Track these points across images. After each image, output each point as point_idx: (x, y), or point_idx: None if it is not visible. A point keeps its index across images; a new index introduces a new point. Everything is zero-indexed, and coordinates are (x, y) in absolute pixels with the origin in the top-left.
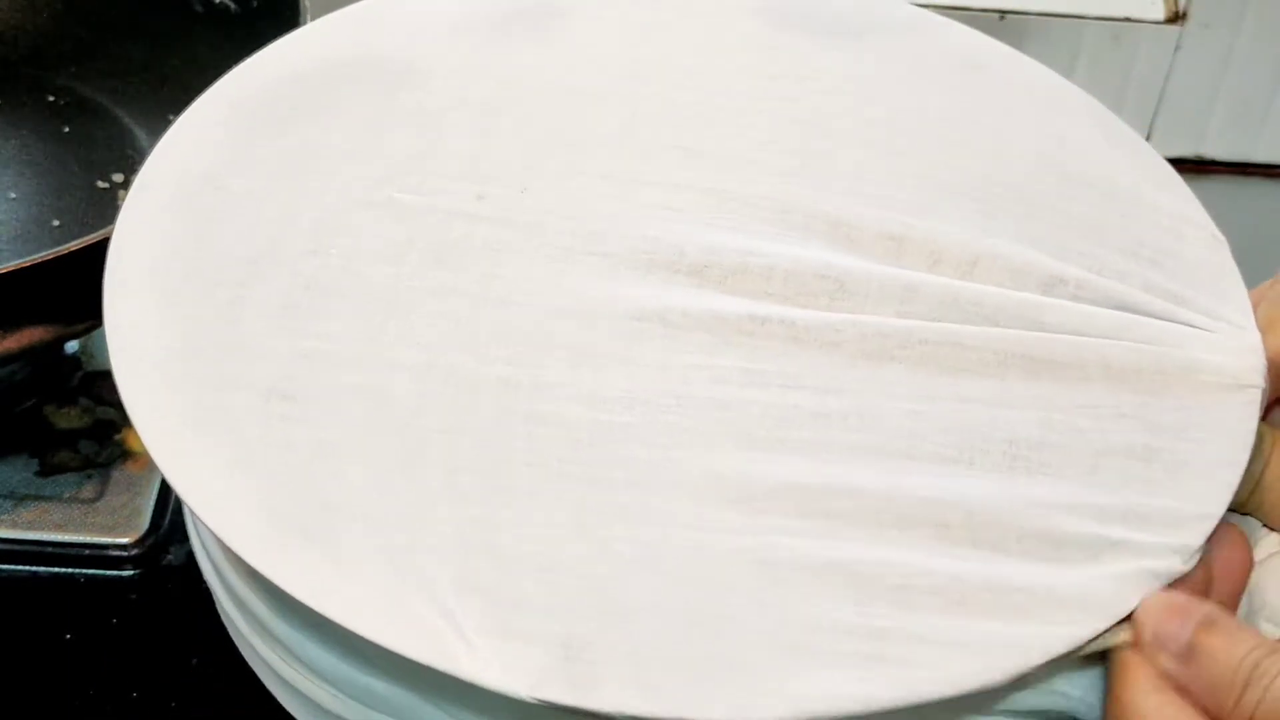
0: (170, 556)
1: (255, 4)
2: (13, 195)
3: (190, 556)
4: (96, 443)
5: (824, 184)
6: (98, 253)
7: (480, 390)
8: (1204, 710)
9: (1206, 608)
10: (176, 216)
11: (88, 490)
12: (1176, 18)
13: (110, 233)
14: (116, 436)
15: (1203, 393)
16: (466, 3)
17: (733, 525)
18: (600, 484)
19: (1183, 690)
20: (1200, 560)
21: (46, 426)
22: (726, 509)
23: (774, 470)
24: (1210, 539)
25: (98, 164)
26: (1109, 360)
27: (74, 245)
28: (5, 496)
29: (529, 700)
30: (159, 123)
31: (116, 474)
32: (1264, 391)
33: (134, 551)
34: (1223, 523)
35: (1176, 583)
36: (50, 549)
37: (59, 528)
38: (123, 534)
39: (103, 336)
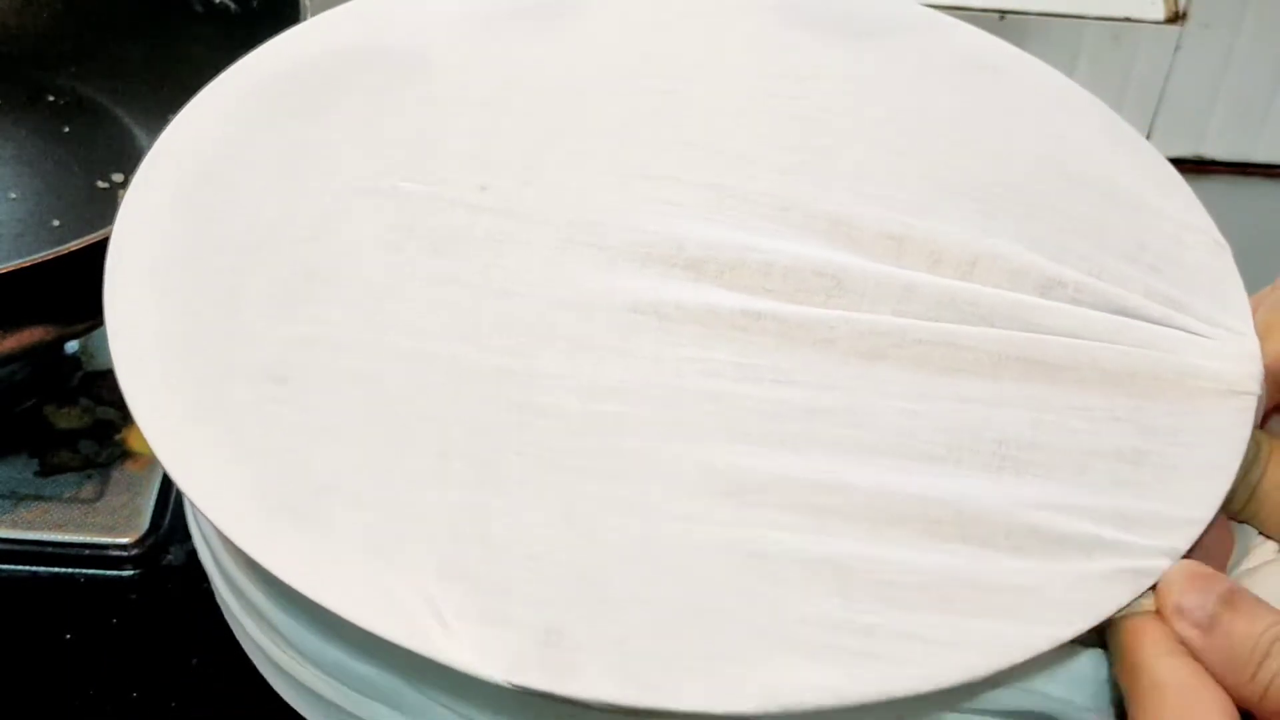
0: (170, 556)
1: (255, 4)
2: (13, 195)
3: (190, 556)
4: (96, 443)
5: (825, 182)
6: (98, 253)
7: (474, 378)
8: (1219, 680)
9: (1228, 582)
10: (180, 201)
11: (88, 490)
12: (1176, 18)
13: (110, 233)
14: (116, 436)
15: (1197, 398)
16: None
17: (721, 518)
18: (590, 474)
19: (1198, 660)
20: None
21: (46, 426)
22: (716, 502)
23: (764, 464)
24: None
25: (98, 164)
26: (1104, 363)
27: (74, 245)
28: (5, 496)
29: (505, 685)
30: (159, 123)
31: (116, 474)
32: (1260, 399)
33: (134, 551)
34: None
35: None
36: (50, 549)
37: (59, 528)
38: (123, 534)
39: (103, 336)
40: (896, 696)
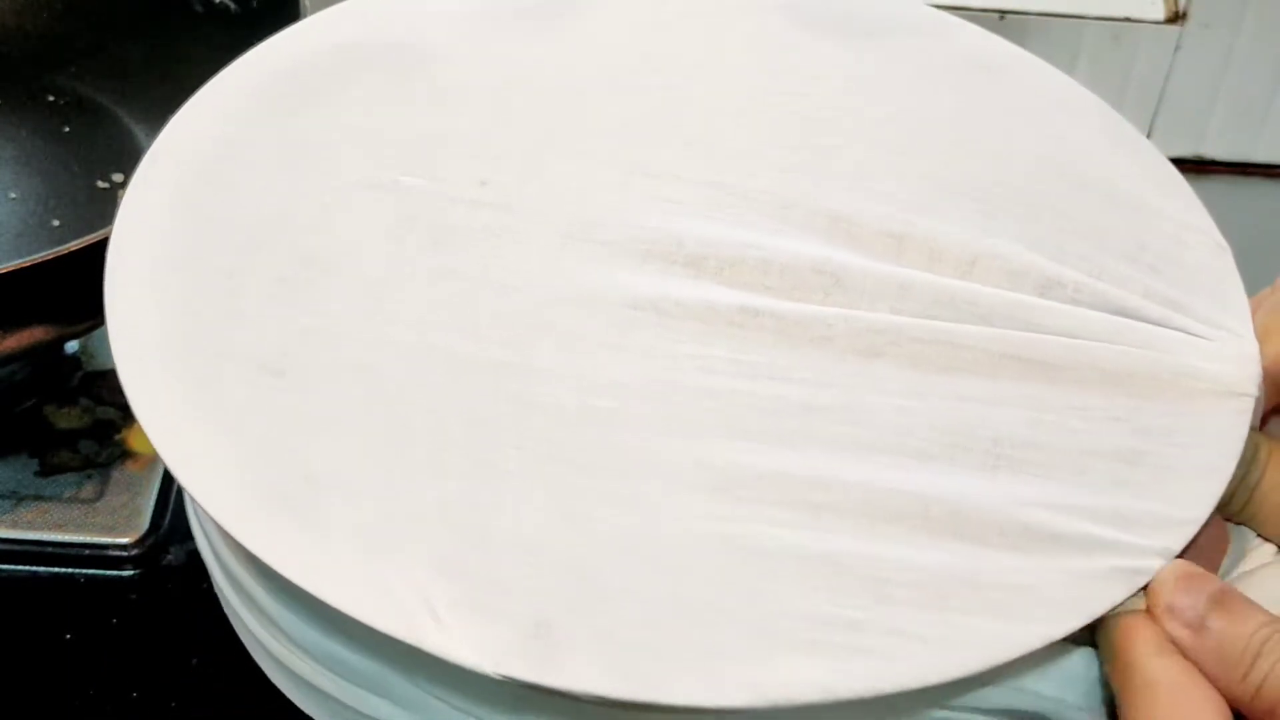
0: (170, 556)
1: (255, 4)
2: (13, 195)
3: (190, 556)
4: (96, 443)
5: (826, 180)
6: (98, 253)
7: (472, 372)
8: (1210, 680)
9: (1219, 583)
10: (184, 190)
11: (88, 490)
12: (1176, 18)
13: (110, 233)
14: (116, 436)
15: (1195, 399)
16: None
17: (716, 513)
18: (585, 468)
19: (1189, 660)
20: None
21: (46, 426)
22: (710, 497)
23: (760, 460)
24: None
25: (98, 164)
26: (1102, 363)
27: (74, 245)
28: (5, 496)
29: (493, 676)
30: (159, 123)
31: (116, 474)
32: (1258, 401)
33: (134, 551)
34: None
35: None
36: (50, 549)
37: (59, 528)
38: (123, 534)
39: (103, 336)
40: (886, 692)
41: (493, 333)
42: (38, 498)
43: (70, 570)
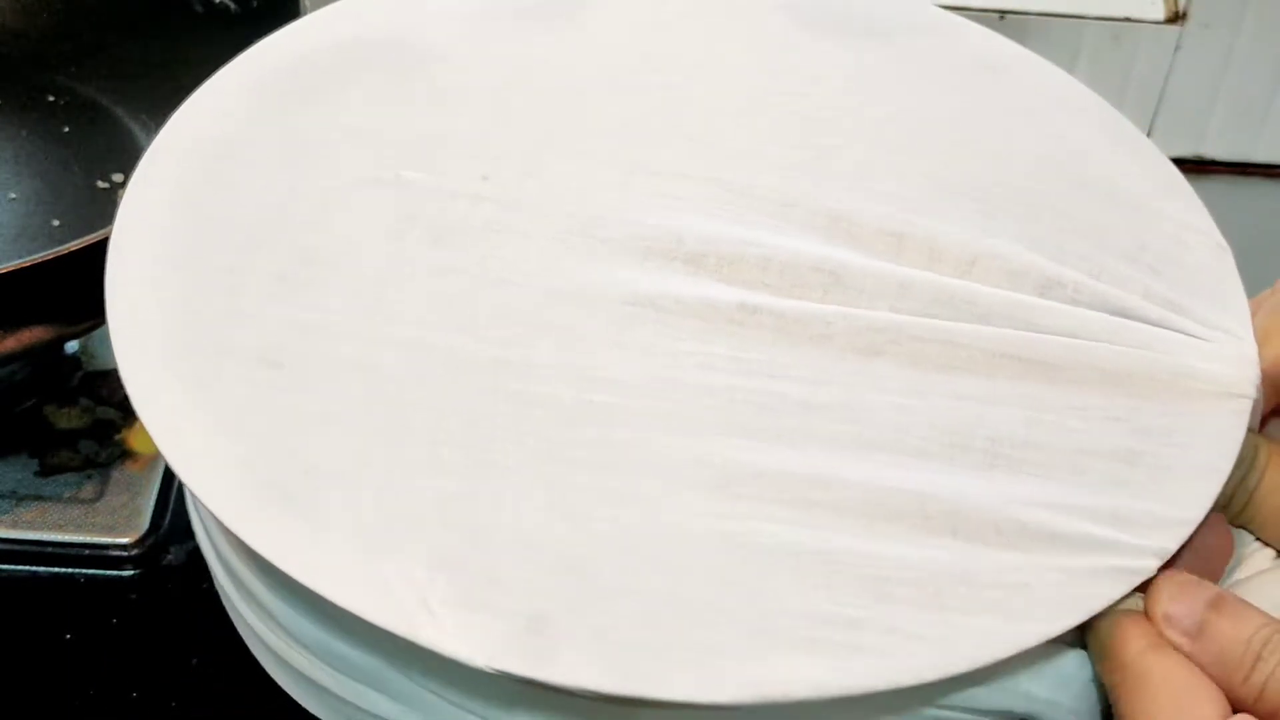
0: (170, 556)
1: (255, 3)
2: (13, 195)
3: (190, 556)
4: (96, 443)
5: (827, 179)
6: (98, 253)
7: (470, 368)
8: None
9: (1214, 588)
10: (185, 184)
11: (88, 490)
12: (1176, 18)
13: (110, 233)
14: (116, 436)
15: (1193, 399)
16: None
17: (713, 510)
18: (582, 465)
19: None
20: (1185, 547)
21: (46, 426)
22: (708, 494)
23: (757, 458)
24: (1206, 529)
25: (98, 164)
26: (1100, 363)
27: (74, 245)
28: (5, 496)
29: (487, 670)
30: (159, 122)
31: (116, 474)
32: (1257, 402)
33: (134, 551)
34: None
35: (1163, 569)
36: (50, 549)
37: (59, 528)
38: (123, 534)
39: (103, 336)
40: (880, 690)
41: (492, 330)
42: (38, 498)
43: (70, 570)
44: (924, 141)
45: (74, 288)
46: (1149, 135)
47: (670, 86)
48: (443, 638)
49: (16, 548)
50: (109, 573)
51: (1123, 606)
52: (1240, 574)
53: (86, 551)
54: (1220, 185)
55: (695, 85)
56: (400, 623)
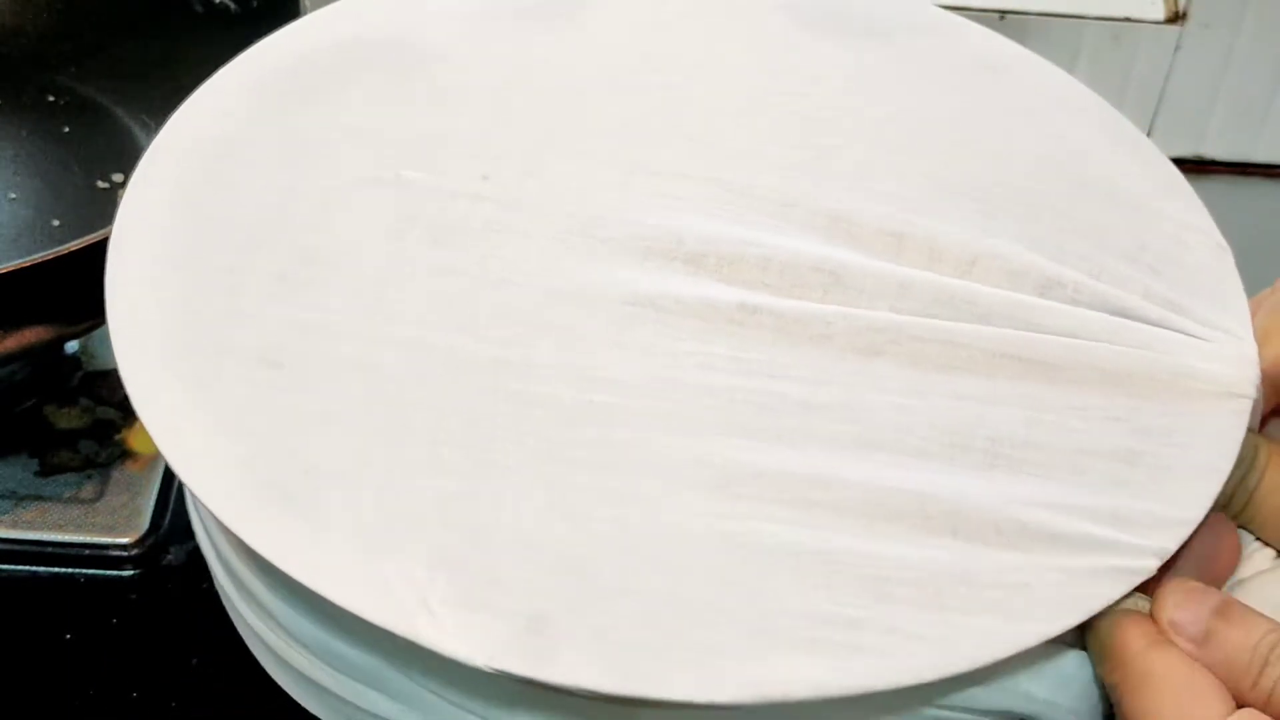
0: (170, 556)
1: (255, 4)
2: (13, 195)
3: (190, 556)
4: (96, 443)
5: (827, 179)
6: (98, 253)
7: (470, 368)
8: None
9: (1220, 595)
10: (185, 184)
11: (88, 490)
12: (1176, 18)
13: (109, 233)
14: (116, 436)
15: (1193, 399)
16: None
17: (713, 510)
18: (582, 464)
19: None
20: (1191, 550)
21: (46, 426)
22: (708, 494)
23: (757, 458)
24: (1207, 531)
25: (98, 164)
26: (1100, 363)
27: (74, 245)
28: (5, 496)
29: (486, 670)
30: (159, 122)
31: (116, 474)
32: (1256, 402)
33: (134, 551)
34: (1214, 514)
35: (1164, 569)
36: (50, 549)
37: (59, 528)
38: (123, 534)
39: (103, 336)
40: (883, 690)
41: (492, 330)
42: (38, 498)
43: (70, 570)
44: (924, 141)
45: (74, 288)
46: (1149, 135)
47: (670, 86)
48: (443, 637)
49: (16, 548)
50: (109, 573)
51: (1123, 606)
52: (1240, 574)
53: (86, 551)
54: (1220, 185)
55: (695, 85)
56: (400, 622)
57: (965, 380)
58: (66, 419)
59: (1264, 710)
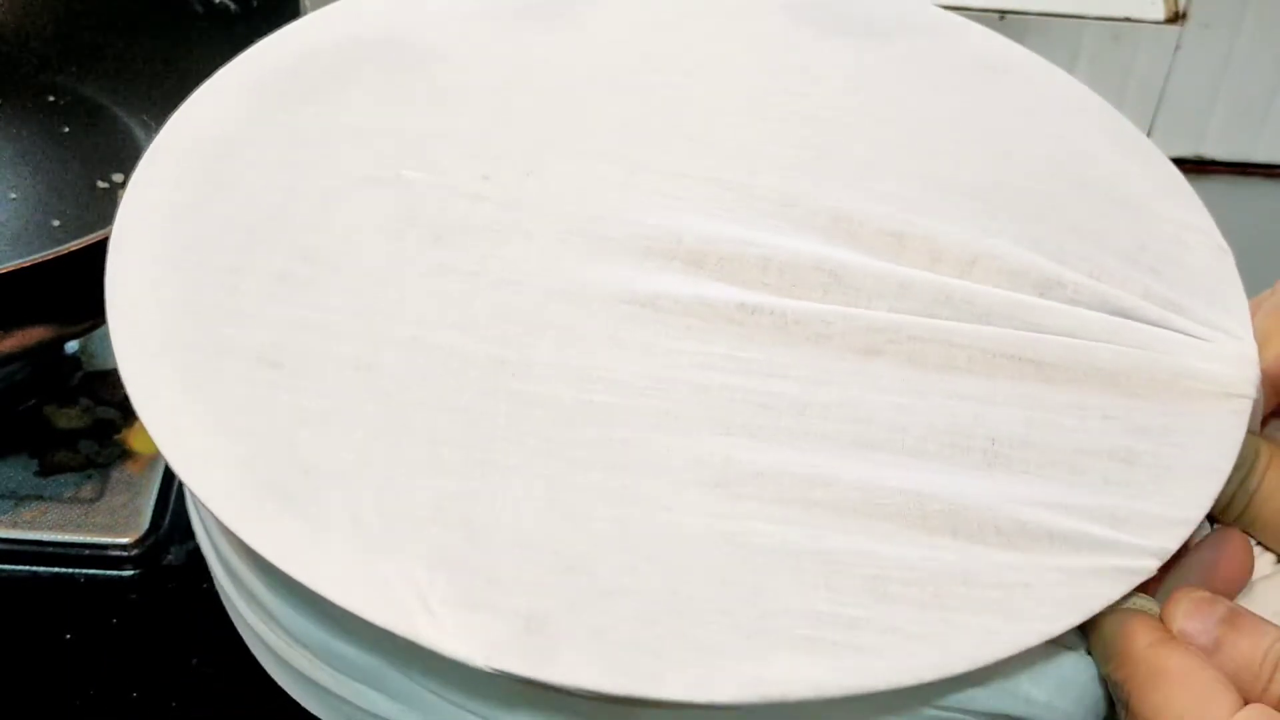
0: (170, 556)
1: (255, 3)
2: (13, 195)
3: (190, 556)
4: (96, 443)
5: (828, 179)
6: (98, 253)
7: (469, 367)
8: None
9: (1228, 604)
10: (185, 183)
11: (88, 490)
12: (1176, 18)
13: (109, 233)
14: (116, 436)
15: (1192, 399)
16: None
17: (710, 509)
18: (580, 463)
19: None
20: (1202, 561)
21: (46, 426)
22: (705, 493)
23: (755, 457)
24: (1211, 541)
25: (98, 164)
26: (1099, 363)
27: (74, 245)
28: (5, 496)
29: (485, 669)
30: (159, 123)
31: (116, 474)
32: (1256, 403)
33: (134, 551)
34: (1225, 528)
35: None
36: (50, 549)
37: (59, 528)
38: (123, 534)
39: (103, 336)
40: (878, 690)
41: (492, 329)
42: (38, 498)
43: (70, 570)
44: (924, 141)
45: (74, 288)
46: (1149, 135)
47: (670, 86)
48: (442, 637)
49: (16, 548)
50: (109, 573)
51: (1128, 606)
52: None
53: (86, 551)
54: (1220, 185)
55: (695, 85)
56: (400, 622)
57: (965, 380)
58: (66, 419)
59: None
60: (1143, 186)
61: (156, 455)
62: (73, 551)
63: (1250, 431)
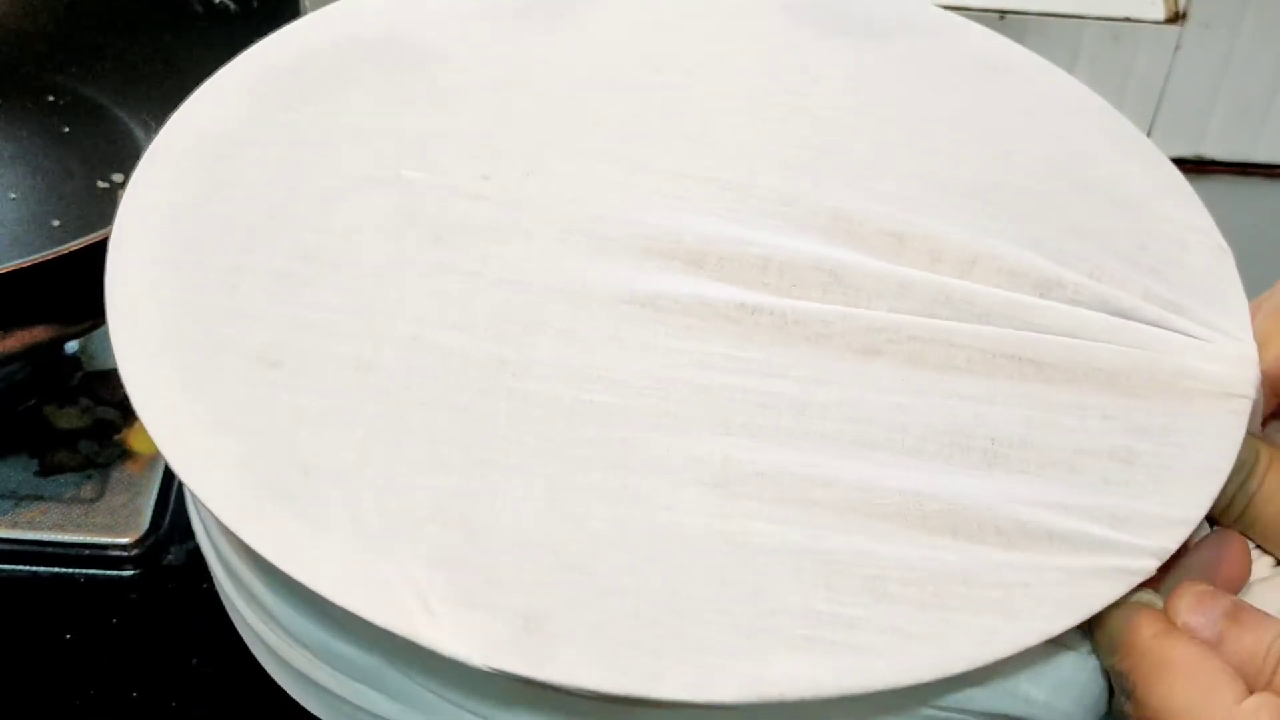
0: (170, 556)
1: (255, 4)
2: (13, 195)
3: (190, 556)
4: (96, 443)
5: (828, 179)
6: (98, 253)
7: (469, 366)
8: None
9: (1231, 598)
10: (185, 183)
11: (88, 490)
12: (1176, 18)
13: (109, 233)
14: (116, 436)
15: (1191, 399)
16: None
17: (709, 509)
18: (578, 462)
19: None
20: (1202, 562)
21: (46, 426)
22: (704, 492)
23: (754, 456)
24: (1211, 541)
25: (98, 164)
26: (1098, 363)
27: (74, 245)
28: (5, 496)
29: (483, 668)
30: (159, 123)
31: (116, 474)
32: (1256, 404)
33: (134, 551)
34: (1224, 530)
35: (1165, 568)
36: (50, 549)
37: (59, 528)
38: (123, 534)
39: (103, 336)
40: (877, 689)
41: (491, 328)
42: (38, 498)
43: (70, 570)
44: (924, 141)
45: (74, 288)
46: (1149, 135)
47: (670, 86)
48: (440, 637)
49: (16, 548)
50: (109, 573)
51: (1133, 600)
52: None
53: (86, 551)
54: (1220, 185)
55: (695, 85)
56: (398, 622)
57: (965, 380)
58: (66, 419)
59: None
60: (1143, 186)
61: (156, 455)
62: (73, 551)
63: (1251, 434)
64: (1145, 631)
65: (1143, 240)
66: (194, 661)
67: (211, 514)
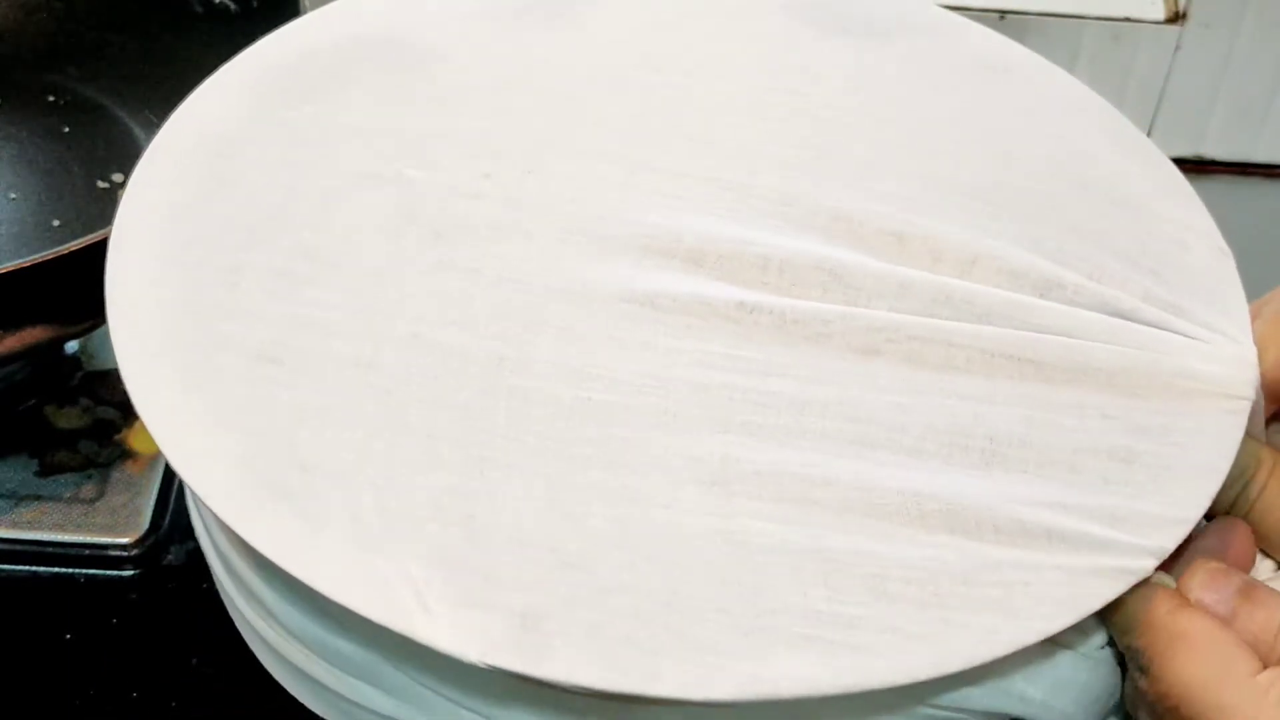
0: (170, 556)
1: (255, 3)
2: (13, 195)
3: (190, 556)
4: (96, 443)
5: (829, 178)
6: (98, 253)
7: (468, 364)
8: None
9: (1243, 576)
10: (186, 181)
11: (88, 490)
12: (1176, 18)
13: (109, 233)
14: (116, 436)
15: (1190, 399)
16: None
17: (708, 508)
18: (577, 461)
19: None
20: (1209, 548)
21: (46, 426)
22: (702, 491)
23: (753, 455)
24: (1216, 528)
25: (98, 164)
26: (1099, 364)
27: (74, 245)
28: (5, 496)
29: (480, 666)
30: (159, 123)
31: (116, 474)
32: (1256, 406)
33: (134, 551)
34: (1228, 517)
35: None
36: (50, 549)
37: (59, 528)
38: (123, 534)
39: (103, 336)
40: (874, 688)
41: (492, 327)
42: (38, 498)
43: (70, 570)
44: (924, 141)
45: (74, 288)
46: (1149, 135)
47: (670, 86)
48: (438, 634)
49: (16, 548)
50: (109, 573)
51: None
52: None
53: (86, 551)
54: (1220, 185)
55: (695, 85)
56: (397, 619)
57: (964, 380)
58: (66, 419)
59: None
60: (1143, 187)
61: (156, 455)
62: (73, 551)
63: (1252, 438)
64: (1160, 608)
65: (1143, 241)
66: (194, 661)
67: (211, 512)
